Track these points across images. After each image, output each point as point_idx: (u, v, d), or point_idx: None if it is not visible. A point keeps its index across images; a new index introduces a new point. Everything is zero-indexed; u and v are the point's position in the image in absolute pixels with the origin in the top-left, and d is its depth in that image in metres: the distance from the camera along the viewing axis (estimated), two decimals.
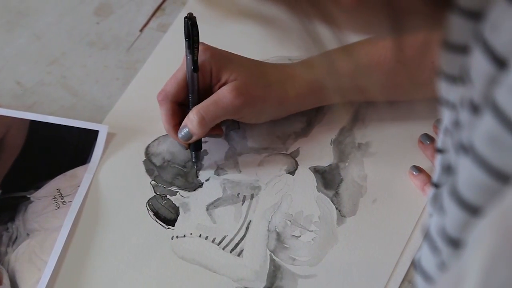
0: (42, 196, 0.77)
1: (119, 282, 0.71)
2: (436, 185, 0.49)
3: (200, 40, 0.73)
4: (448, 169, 0.45)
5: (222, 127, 0.78)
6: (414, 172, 0.75)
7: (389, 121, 0.79)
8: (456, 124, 0.43)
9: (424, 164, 0.76)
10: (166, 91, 0.75)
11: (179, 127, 0.75)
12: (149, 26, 0.89)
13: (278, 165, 0.78)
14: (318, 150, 0.78)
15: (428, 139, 0.77)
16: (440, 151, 0.49)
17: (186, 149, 0.78)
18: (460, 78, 0.42)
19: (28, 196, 0.77)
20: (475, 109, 0.39)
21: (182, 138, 0.75)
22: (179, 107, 0.76)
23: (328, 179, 0.76)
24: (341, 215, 0.74)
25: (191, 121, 0.73)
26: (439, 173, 0.49)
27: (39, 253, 0.73)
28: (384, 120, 0.80)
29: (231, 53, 0.76)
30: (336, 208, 0.75)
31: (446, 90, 0.45)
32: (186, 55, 0.73)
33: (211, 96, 0.74)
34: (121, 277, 0.72)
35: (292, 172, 0.77)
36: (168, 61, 0.85)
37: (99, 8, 0.91)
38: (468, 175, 0.39)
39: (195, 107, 0.74)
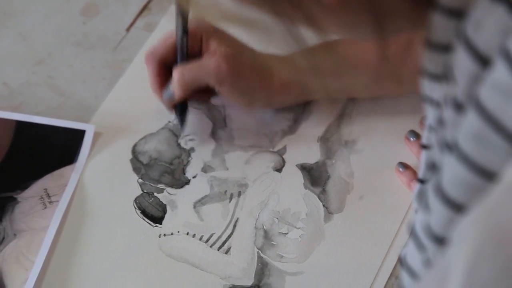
0: (29, 196, 0.77)
1: (107, 281, 0.71)
2: (422, 181, 0.50)
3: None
4: (432, 167, 0.45)
5: (211, 96, 0.78)
6: (400, 169, 0.75)
7: (375, 118, 0.80)
8: (440, 122, 0.43)
9: (410, 161, 0.76)
10: (153, 48, 0.76)
11: None
12: (135, 25, 0.89)
13: (265, 163, 0.78)
14: (305, 148, 0.79)
15: (414, 135, 0.77)
16: (424, 147, 0.49)
17: (171, 110, 0.78)
18: (443, 76, 0.42)
19: (15, 196, 0.77)
20: (459, 107, 0.39)
21: (165, 97, 0.75)
22: (167, 70, 0.75)
23: (315, 176, 0.77)
24: (328, 212, 0.74)
25: (172, 79, 0.74)
26: (424, 169, 0.49)
27: (26, 253, 0.73)
28: (371, 117, 0.80)
29: (223, 29, 0.76)
30: (323, 205, 0.75)
31: (430, 88, 0.45)
32: (176, 16, 0.72)
33: (198, 60, 0.74)
34: (109, 276, 0.72)
35: (279, 170, 0.77)
36: None
37: (85, 8, 0.90)
38: (452, 172, 0.39)
39: (179, 66, 0.74)
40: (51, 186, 0.77)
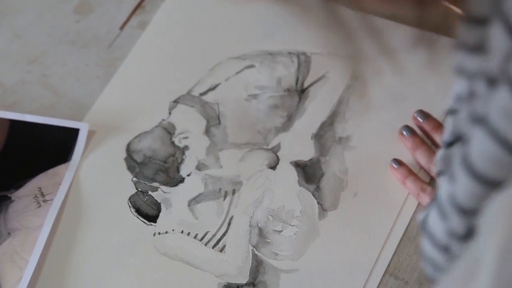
0: (23, 195, 0.77)
1: (101, 279, 0.71)
2: (448, 144, 0.49)
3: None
4: (458, 137, 0.45)
5: None
6: (394, 165, 0.75)
7: (369, 115, 0.80)
8: (471, 94, 0.43)
9: (404, 157, 0.76)
10: None
11: None
12: (129, 24, 0.89)
13: (259, 160, 0.78)
14: (299, 145, 0.79)
15: (408, 131, 0.77)
16: (451, 112, 0.49)
17: None
18: (478, 49, 0.42)
19: (9, 195, 0.77)
20: (491, 82, 0.39)
21: None
22: None
23: (309, 173, 0.77)
24: (323, 209, 0.74)
25: None
26: (449, 134, 0.49)
27: (21, 252, 0.73)
28: (364, 114, 0.80)
29: None
30: (318, 202, 0.75)
31: (464, 60, 0.44)
32: None
33: None
34: (104, 274, 0.71)
35: (273, 167, 0.77)
36: (147, 58, 0.85)
37: (79, 6, 0.90)
38: (481, 146, 0.39)
39: None
40: (45, 185, 0.77)
